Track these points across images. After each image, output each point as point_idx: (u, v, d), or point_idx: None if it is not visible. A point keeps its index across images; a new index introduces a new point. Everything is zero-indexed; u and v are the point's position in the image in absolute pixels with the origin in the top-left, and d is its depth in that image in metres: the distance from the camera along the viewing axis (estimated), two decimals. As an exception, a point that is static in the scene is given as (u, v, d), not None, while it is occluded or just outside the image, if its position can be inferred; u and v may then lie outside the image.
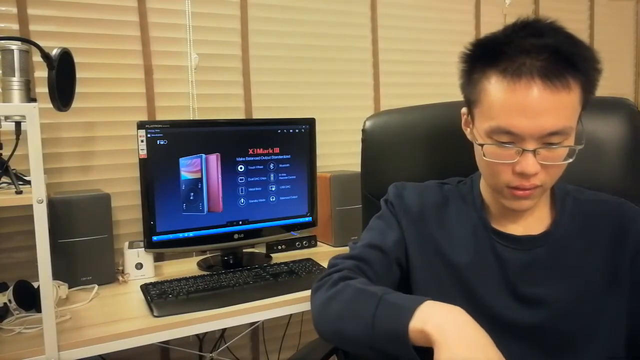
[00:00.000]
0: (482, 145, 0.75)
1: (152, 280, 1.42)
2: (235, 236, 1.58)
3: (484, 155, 0.75)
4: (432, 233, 0.87)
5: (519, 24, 0.73)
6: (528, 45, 0.70)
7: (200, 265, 1.59)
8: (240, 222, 1.58)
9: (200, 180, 1.50)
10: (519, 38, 0.71)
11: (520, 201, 0.77)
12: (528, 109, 0.69)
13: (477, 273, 0.82)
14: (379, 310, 0.70)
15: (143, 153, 1.42)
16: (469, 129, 0.83)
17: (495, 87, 0.72)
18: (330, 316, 0.77)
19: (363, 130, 1.17)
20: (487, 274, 0.82)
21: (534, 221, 0.84)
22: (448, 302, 0.78)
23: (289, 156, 1.63)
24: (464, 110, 0.83)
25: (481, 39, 0.77)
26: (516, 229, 0.83)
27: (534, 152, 0.71)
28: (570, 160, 0.75)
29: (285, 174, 1.63)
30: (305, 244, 1.78)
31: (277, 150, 1.61)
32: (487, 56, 0.74)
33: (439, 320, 0.65)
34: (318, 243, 1.82)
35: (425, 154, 1.10)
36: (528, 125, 0.70)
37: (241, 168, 1.56)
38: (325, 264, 1.50)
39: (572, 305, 0.78)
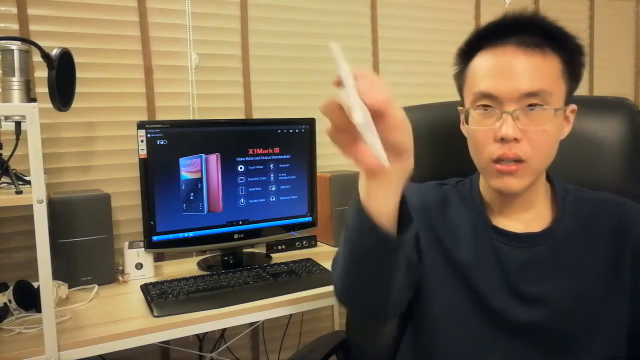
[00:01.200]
0: (467, 113, 0.81)
1: (152, 280, 1.42)
2: (235, 236, 1.58)
3: (471, 125, 0.80)
4: (436, 228, 0.87)
5: (503, 15, 0.80)
6: (509, 25, 0.78)
7: (200, 265, 1.59)
8: (240, 222, 1.58)
9: (200, 180, 1.50)
10: (502, 23, 0.79)
11: (505, 178, 0.77)
12: (504, 70, 0.75)
13: (478, 271, 0.82)
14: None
15: (143, 153, 1.42)
16: (465, 127, 0.84)
17: (477, 60, 0.79)
18: (336, 270, 0.74)
19: (363, 130, 1.17)
20: (487, 271, 0.82)
21: (534, 219, 0.84)
22: (451, 298, 0.78)
23: (289, 156, 1.63)
24: (460, 107, 0.85)
25: (469, 36, 0.83)
26: (516, 226, 0.83)
27: (512, 114, 0.74)
28: (563, 128, 0.79)
29: (285, 174, 1.63)
30: (305, 244, 1.78)
31: (277, 150, 1.61)
32: (474, 43, 0.80)
33: None
34: (318, 243, 1.82)
35: (425, 153, 1.10)
36: (505, 86, 0.74)
37: (241, 168, 1.56)
38: (325, 264, 1.50)
39: (573, 304, 0.78)
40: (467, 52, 0.82)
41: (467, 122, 0.82)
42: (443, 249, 0.85)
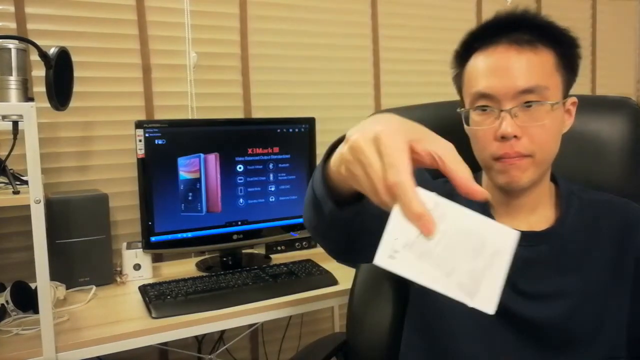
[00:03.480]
0: (467, 114, 0.81)
1: (151, 281, 1.42)
2: (234, 237, 1.57)
3: (471, 125, 0.80)
4: None
5: (497, 14, 0.81)
6: (501, 24, 0.78)
7: (199, 266, 1.59)
8: (240, 223, 1.57)
9: (198, 180, 1.49)
10: (494, 22, 0.79)
11: (509, 171, 0.77)
12: (498, 68, 0.76)
13: None
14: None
15: (141, 153, 1.41)
16: (467, 128, 0.84)
17: (472, 62, 0.80)
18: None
19: (363, 130, 1.16)
20: None
21: (538, 219, 0.83)
22: None
23: (288, 156, 1.62)
24: (459, 110, 0.85)
25: (462, 39, 0.84)
26: (520, 225, 0.83)
27: (510, 112, 0.74)
28: (564, 121, 0.79)
29: (284, 174, 1.62)
30: (305, 244, 1.77)
31: (276, 149, 1.60)
32: (467, 46, 0.81)
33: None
34: (317, 244, 1.81)
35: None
36: (499, 85, 0.75)
37: (240, 168, 1.55)
38: (325, 265, 1.50)
39: (574, 303, 0.78)
40: (463, 54, 0.83)
41: (467, 123, 0.82)
42: None
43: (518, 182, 0.77)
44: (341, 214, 0.64)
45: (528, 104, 0.75)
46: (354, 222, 0.67)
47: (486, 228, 0.45)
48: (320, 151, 1.68)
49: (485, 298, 0.45)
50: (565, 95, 0.80)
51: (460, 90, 0.85)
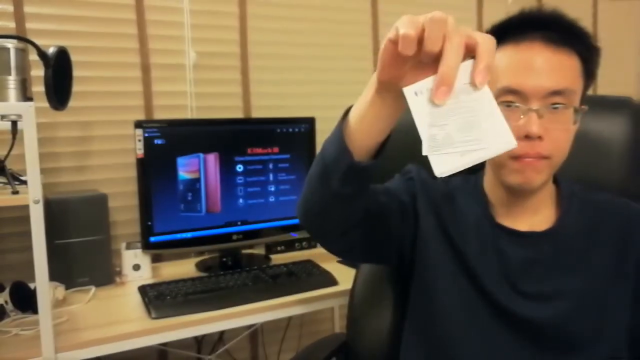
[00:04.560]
0: None
1: (150, 281, 1.41)
2: (234, 237, 1.56)
3: None
4: (443, 216, 0.86)
5: (523, 9, 0.80)
6: (531, 19, 0.77)
7: (198, 266, 1.58)
8: (239, 223, 1.57)
9: (198, 180, 1.49)
10: (523, 17, 0.78)
11: (526, 172, 0.75)
12: (532, 66, 0.74)
13: (481, 264, 0.81)
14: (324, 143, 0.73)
15: (140, 153, 1.41)
16: None
17: (501, 54, 0.77)
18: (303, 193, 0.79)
19: (363, 130, 1.16)
20: (489, 267, 0.81)
21: (539, 219, 0.83)
22: (454, 282, 0.81)
23: (288, 156, 1.61)
24: None
25: (488, 28, 0.81)
26: (521, 225, 0.83)
27: (538, 112, 0.73)
28: (575, 125, 0.78)
29: (284, 174, 1.62)
30: (305, 245, 1.77)
31: (276, 149, 1.59)
32: (494, 36, 0.77)
33: None
34: (318, 244, 1.81)
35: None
36: (532, 83, 0.73)
37: (240, 168, 1.55)
38: (325, 266, 1.50)
39: (575, 304, 0.78)
40: None
41: None
42: (449, 237, 0.84)
43: (531, 184, 0.77)
44: (353, 180, 0.67)
45: (555, 106, 0.74)
46: (357, 203, 0.72)
47: (493, 123, 0.53)
48: (320, 151, 1.68)
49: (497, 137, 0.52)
50: (582, 102, 0.79)
51: None
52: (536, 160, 0.75)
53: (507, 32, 0.77)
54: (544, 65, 0.74)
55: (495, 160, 0.80)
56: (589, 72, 0.78)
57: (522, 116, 0.74)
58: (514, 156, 0.75)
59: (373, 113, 0.64)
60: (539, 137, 0.73)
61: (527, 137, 0.73)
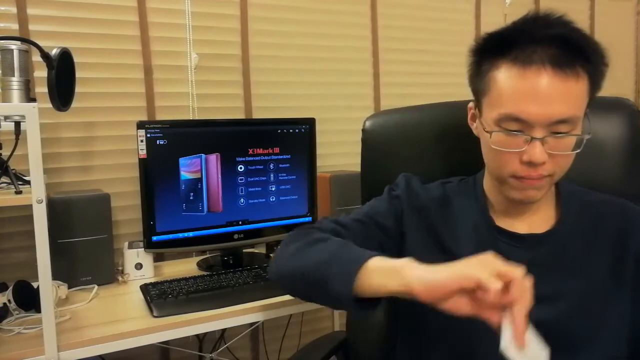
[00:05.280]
0: (490, 133, 0.75)
1: (152, 280, 1.42)
2: (235, 236, 1.57)
3: (492, 144, 0.75)
4: (435, 226, 0.86)
5: (529, 17, 0.74)
6: (539, 34, 0.71)
7: (200, 265, 1.59)
8: (240, 222, 1.58)
9: (200, 180, 1.50)
10: (530, 29, 0.72)
11: (527, 190, 0.76)
12: (538, 95, 0.70)
13: None
14: (339, 251, 0.75)
15: (143, 153, 1.42)
16: (475, 124, 0.83)
17: (505, 75, 0.72)
18: (293, 256, 0.81)
19: (363, 130, 1.17)
20: None
21: (538, 220, 0.83)
22: None
23: (289, 156, 1.63)
24: (470, 104, 0.83)
25: (491, 32, 0.77)
26: (520, 227, 0.83)
27: (542, 140, 0.71)
28: (578, 150, 0.75)
29: (285, 174, 1.63)
30: (305, 244, 1.77)
31: (277, 150, 1.60)
32: (497, 47, 0.74)
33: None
34: (318, 243, 1.81)
35: (426, 154, 1.09)
36: (537, 112, 0.70)
37: (241, 168, 1.56)
38: (325, 264, 1.50)
39: (575, 305, 0.78)
40: (487, 54, 0.76)
41: (484, 128, 0.78)
42: (442, 247, 0.84)
43: (532, 200, 0.77)
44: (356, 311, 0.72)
45: (559, 135, 0.72)
46: None
47: None
48: (320, 151, 1.69)
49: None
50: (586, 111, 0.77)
51: (477, 91, 0.80)
52: (538, 180, 0.74)
53: (510, 42, 0.73)
54: (552, 94, 0.69)
55: (496, 176, 0.79)
56: (597, 84, 0.75)
57: (525, 143, 0.72)
58: (516, 176, 0.75)
59: (388, 293, 0.67)
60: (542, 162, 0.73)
61: (531, 163, 0.73)
